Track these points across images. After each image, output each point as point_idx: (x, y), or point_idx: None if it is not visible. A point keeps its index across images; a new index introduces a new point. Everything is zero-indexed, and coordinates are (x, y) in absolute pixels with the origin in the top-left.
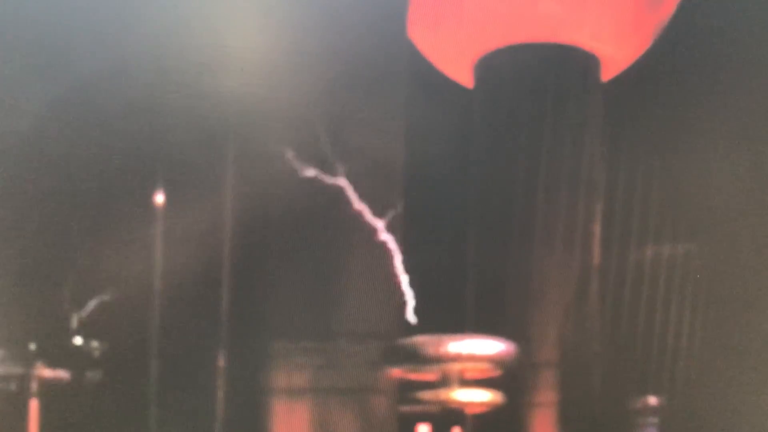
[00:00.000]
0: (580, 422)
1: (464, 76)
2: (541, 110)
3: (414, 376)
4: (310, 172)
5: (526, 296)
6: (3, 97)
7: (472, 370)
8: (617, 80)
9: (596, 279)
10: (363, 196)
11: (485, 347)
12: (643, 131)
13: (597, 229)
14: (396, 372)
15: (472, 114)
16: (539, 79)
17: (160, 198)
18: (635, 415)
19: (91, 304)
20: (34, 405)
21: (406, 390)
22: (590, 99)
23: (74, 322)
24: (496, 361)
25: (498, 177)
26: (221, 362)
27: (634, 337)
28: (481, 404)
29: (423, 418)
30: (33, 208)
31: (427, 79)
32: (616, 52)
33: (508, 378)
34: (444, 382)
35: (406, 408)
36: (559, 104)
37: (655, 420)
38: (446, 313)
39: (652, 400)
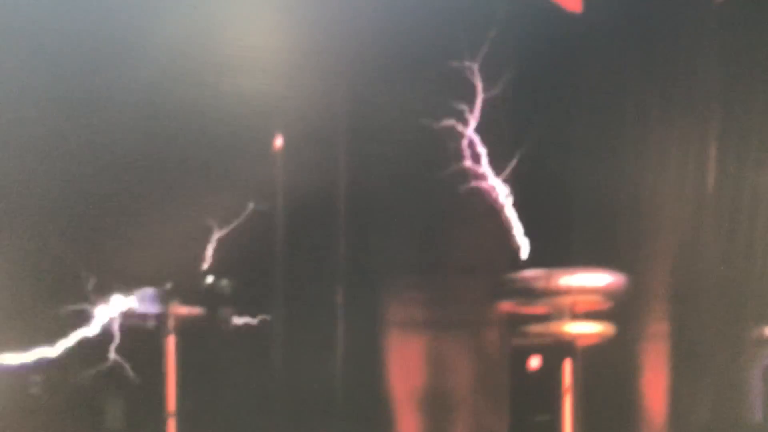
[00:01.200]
0: (694, 354)
1: (573, 2)
2: (653, 35)
3: (525, 310)
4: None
5: (638, 225)
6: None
7: (583, 303)
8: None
9: (711, 204)
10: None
11: (596, 279)
12: (760, 55)
13: (712, 152)
14: (507, 306)
15: (581, 40)
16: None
17: (279, 140)
18: (753, 347)
19: (217, 244)
20: (171, 341)
21: (517, 323)
22: (703, 22)
23: (205, 261)
24: (607, 292)
25: (608, 101)
26: (340, 298)
27: (753, 265)
28: (593, 336)
29: (534, 350)
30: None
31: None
32: None
33: (620, 310)
34: (555, 315)
35: (517, 341)
36: (671, 28)
37: None
38: (556, 246)
39: None
